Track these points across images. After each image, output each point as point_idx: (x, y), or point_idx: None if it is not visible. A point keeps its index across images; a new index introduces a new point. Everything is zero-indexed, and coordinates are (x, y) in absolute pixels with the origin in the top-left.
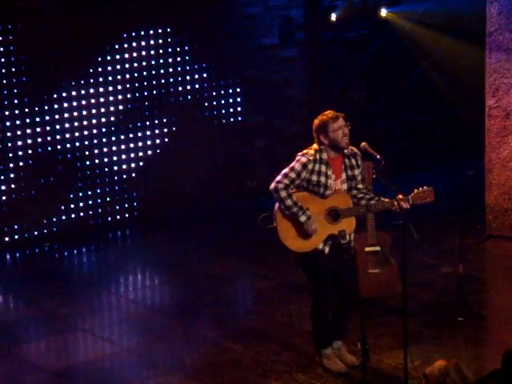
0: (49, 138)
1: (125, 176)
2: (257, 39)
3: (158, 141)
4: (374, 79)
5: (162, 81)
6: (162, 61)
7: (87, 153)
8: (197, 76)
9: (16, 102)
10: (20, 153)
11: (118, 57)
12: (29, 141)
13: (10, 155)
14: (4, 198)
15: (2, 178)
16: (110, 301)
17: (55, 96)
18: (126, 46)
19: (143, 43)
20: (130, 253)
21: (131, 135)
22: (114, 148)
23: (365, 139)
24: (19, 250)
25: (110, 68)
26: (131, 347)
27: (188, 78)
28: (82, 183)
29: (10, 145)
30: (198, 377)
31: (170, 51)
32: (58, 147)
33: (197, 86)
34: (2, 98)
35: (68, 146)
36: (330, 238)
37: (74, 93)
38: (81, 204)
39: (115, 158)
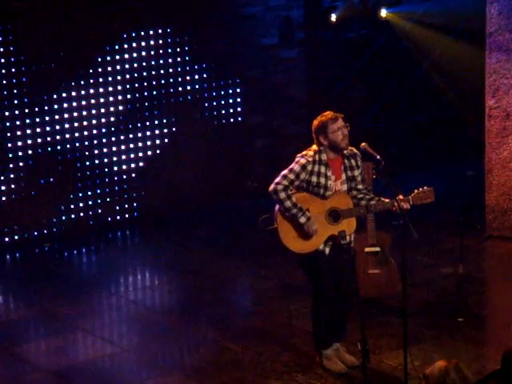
0: (49, 139)
1: (125, 176)
2: (257, 39)
3: (157, 141)
4: (374, 79)
5: (162, 81)
6: (161, 61)
7: (87, 153)
8: (197, 76)
9: (16, 102)
10: (20, 153)
11: (117, 57)
12: (29, 141)
13: (10, 155)
14: (4, 198)
15: (2, 178)
16: (109, 301)
17: (55, 96)
18: (126, 46)
19: (143, 43)
20: (130, 253)
21: (131, 135)
22: (114, 148)
23: (365, 139)
24: (19, 250)
25: (109, 68)
26: (131, 347)
27: (188, 78)
28: (81, 184)
29: (10, 145)
30: (198, 377)
31: (170, 51)
32: (58, 148)
33: (197, 87)
34: (1, 99)
35: (68, 146)
36: (331, 238)
37: (73, 93)
38: (81, 204)
39: (115, 159)
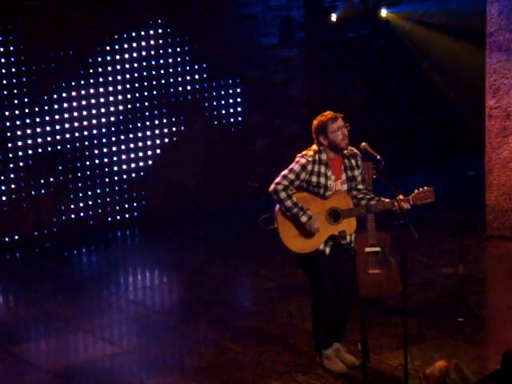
0: (49, 139)
1: (125, 176)
2: (257, 39)
3: (157, 141)
4: (374, 79)
5: (162, 81)
6: (162, 61)
7: (87, 153)
8: (197, 76)
9: (16, 102)
10: (20, 153)
11: (118, 57)
12: (29, 141)
13: (10, 155)
14: (4, 198)
15: (2, 178)
16: (110, 301)
17: (55, 96)
18: (126, 46)
19: (143, 43)
20: (130, 253)
21: (131, 135)
22: (114, 148)
23: (365, 139)
24: (19, 250)
25: (110, 68)
26: (131, 347)
27: (188, 78)
28: (81, 183)
29: (10, 145)
30: (198, 377)
31: (170, 51)
32: (58, 147)
33: (197, 86)
34: (2, 99)
35: (68, 146)
36: (331, 238)
37: (73, 93)
38: (81, 204)
39: (115, 159)
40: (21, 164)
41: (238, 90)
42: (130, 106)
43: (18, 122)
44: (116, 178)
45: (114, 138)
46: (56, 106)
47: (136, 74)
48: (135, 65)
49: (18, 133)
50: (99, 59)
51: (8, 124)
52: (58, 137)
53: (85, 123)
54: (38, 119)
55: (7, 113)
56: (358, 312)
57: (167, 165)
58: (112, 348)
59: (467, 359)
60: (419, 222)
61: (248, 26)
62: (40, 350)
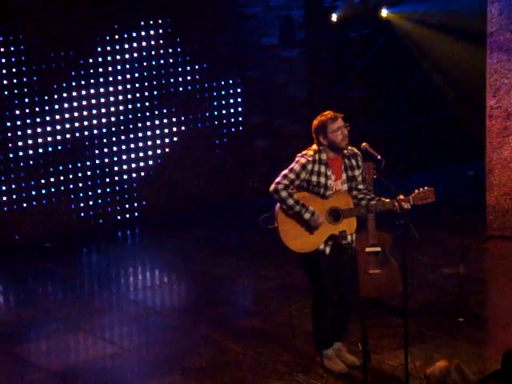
0: (49, 139)
1: (125, 176)
2: (257, 39)
3: (158, 141)
4: (375, 79)
5: (163, 81)
6: (162, 61)
7: (87, 153)
8: (197, 76)
9: (16, 102)
10: (20, 153)
11: (118, 57)
12: (29, 141)
13: (11, 155)
14: (4, 198)
15: (3, 178)
16: (110, 301)
17: (56, 96)
18: (126, 46)
19: (144, 44)
20: (131, 253)
21: (131, 136)
22: (115, 148)
23: (365, 139)
24: (19, 249)
25: (110, 68)
26: (131, 347)
27: (189, 78)
28: (82, 184)
29: (10, 145)
30: (198, 377)
31: (171, 52)
32: (59, 148)
33: (197, 86)
34: (2, 99)
35: (68, 146)
36: (331, 238)
37: (74, 93)
38: (81, 204)
39: (115, 159)
40: (21, 164)
41: (238, 90)
42: (130, 106)
43: (18, 122)
44: (116, 178)
45: (114, 138)
46: (56, 106)
47: (136, 74)
48: (135, 65)
49: (19, 133)
50: (100, 59)
51: (8, 124)
52: (58, 137)
53: (85, 123)
54: (38, 119)
55: (8, 113)
56: (358, 312)
57: (167, 165)
58: (112, 348)
59: (468, 359)
60: (420, 222)
61: (248, 26)
62: (40, 350)
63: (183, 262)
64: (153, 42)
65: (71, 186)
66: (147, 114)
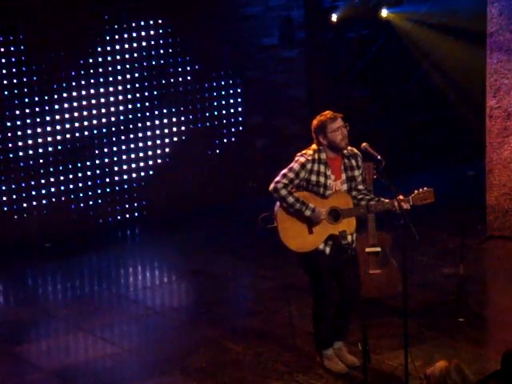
0: (49, 139)
1: (125, 176)
2: (257, 39)
3: (158, 141)
4: (375, 79)
5: (163, 81)
6: (162, 61)
7: (87, 153)
8: (197, 76)
9: (16, 102)
10: (21, 153)
11: (118, 57)
12: (29, 141)
13: (11, 155)
14: (4, 198)
15: (3, 178)
16: (110, 301)
17: (56, 96)
18: (126, 46)
19: (144, 44)
20: (131, 253)
21: (131, 136)
22: (115, 148)
23: (365, 139)
24: (20, 249)
25: (110, 69)
26: (131, 347)
27: (189, 78)
28: (82, 184)
29: (10, 145)
30: (198, 377)
31: (171, 51)
32: (59, 148)
33: (197, 87)
34: (2, 99)
35: (68, 146)
36: (331, 238)
37: (74, 93)
38: (81, 204)
39: (115, 159)
40: (21, 164)
41: (238, 90)
42: (130, 107)
43: (18, 122)
44: (116, 178)
45: (114, 138)
46: (56, 106)
47: (136, 74)
48: (135, 65)
49: (19, 133)
50: (100, 59)
51: (8, 124)
52: (58, 137)
53: (85, 123)
54: (38, 119)
55: (8, 113)
56: (358, 312)
57: (167, 165)
58: (112, 348)
59: (468, 359)
60: (420, 222)
61: (248, 26)
62: (40, 350)
63: (183, 262)
64: (153, 42)
65: (71, 186)
66: (147, 114)
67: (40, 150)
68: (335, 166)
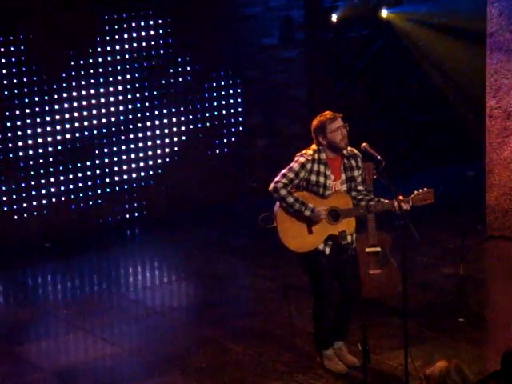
0: (49, 139)
1: (125, 176)
2: (257, 39)
3: (158, 141)
4: (375, 80)
5: (163, 81)
6: (162, 61)
7: (88, 153)
8: (197, 76)
9: (16, 102)
10: (21, 153)
11: (118, 57)
12: (29, 141)
13: (11, 155)
14: (4, 198)
15: (3, 178)
16: (110, 301)
17: (56, 97)
18: (126, 46)
19: (144, 44)
20: (131, 253)
21: (132, 136)
22: (115, 149)
23: (365, 140)
24: (20, 249)
25: (110, 69)
26: (131, 347)
27: (189, 78)
28: (82, 184)
29: (10, 145)
30: (198, 377)
31: (171, 52)
32: (59, 148)
33: (197, 86)
34: (2, 99)
35: (69, 146)
36: (331, 238)
37: (74, 93)
38: (81, 204)
39: (116, 159)
40: (21, 164)
41: (239, 90)
42: (130, 107)
43: (18, 123)
44: (116, 179)
45: (114, 139)
46: (56, 107)
47: (136, 75)
48: (135, 65)
49: (19, 133)
50: (100, 59)
51: (8, 124)
52: (58, 137)
53: (85, 123)
54: (38, 119)
55: (8, 113)
56: (358, 312)
57: (167, 165)
58: (112, 348)
59: (468, 359)
60: (420, 222)
61: (248, 27)
62: (40, 349)
63: (183, 262)
64: (153, 42)
65: (71, 186)
66: (147, 114)
67: (40, 150)
68: (335, 167)
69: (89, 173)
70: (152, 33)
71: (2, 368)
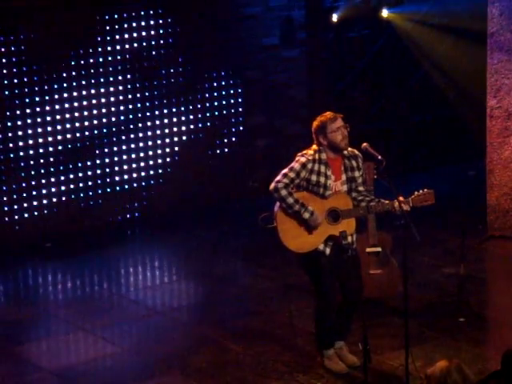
0: (50, 139)
1: (126, 176)
2: (258, 39)
3: (158, 141)
4: (375, 80)
5: (163, 81)
6: (162, 62)
7: (88, 153)
8: (197, 76)
9: (17, 102)
10: (21, 153)
11: (119, 57)
12: (30, 141)
13: (11, 155)
14: (5, 198)
15: (3, 178)
16: (110, 301)
17: (56, 96)
18: (127, 46)
19: (144, 44)
20: (131, 253)
21: (132, 136)
22: (115, 148)
23: (365, 140)
24: (19, 250)
25: (111, 69)
26: (131, 347)
27: (189, 78)
28: (83, 184)
29: (11, 145)
30: (198, 377)
31: (171, 51)
32: (59, 148)
33: (198, 87)
34: (3, 99)
35: (69, 146)
36: (331, 238)
37: (75, 93)
38: (82, 204)
39: (116, 159)
40: (22, 164)
41: (239, 90)
42: (130, 107)
43: (19, 122)
44: (117, 178)
45: (114, 138)
46: (57, 107)
47: (137, 75)
48: (136, 65)
49: (19, 133)
50: (100, 59)
51: (9, 124)
52: (59, 137)
53: (86, 123)
54: (39, 119)
55: (8, 113)
56: (359, 312)
57: (168, 165)
58: (112, 348)
59: (468, 359)
60: (420, 222)
61: (248, 26)
62: (40, 349)
63: (183, 262)
64: (153, 43)
65: (72, 186)
66: (147, 114)
67: (40, 150)
68: (335, 167)
69: (89, 173)
70: (152, 33)
71: (1, 368)
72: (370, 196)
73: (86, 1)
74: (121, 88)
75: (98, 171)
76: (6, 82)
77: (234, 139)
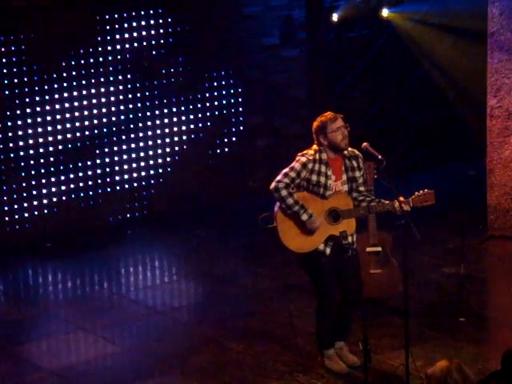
0: (50, 139)
1: (126, 176)
2: (258, 39)
3: (158, 141)
4: (375, 79)
5: (164, 81)
6: (162, 62)
7: (88, 153)
8: (197, 76)
9: (17, 102)
10: (21, 153)
11: (119, 57)
12: (30, 141)
13: (12, 155)
14: (5, 197)
15: (3, 178)
16: (110, 301)
17: (57, 96)
18: (127, 46)
19: (144, 43)
20: (131, 253)
21: (132, 135)
22: (116, 148)
23: (366, 140)
24: (20, 249)
25: (111, 68)
26: (131, 347)
27: (189, 78)
28: (83, 183)
29: (11, 145)
30: (199, 377)
31: (171, 51)
32: (60, 147)
33: (197, 86)
34: (3, 99)
35: (69, 146)
36: (331, 238)
37: (75, 93)
38: (82, 204)
39: (116, 159)
40: (22, 164)
41: (239, 90)
42: (131, 106)
43: (19, 122)
44: (117, 178)
45: (115, 138)
46: (57, 106)
47: (137, 75)
48: (136, 65)
49: (20, 133)
50: (100, 59)
51: (9, 124)
52: (59, 137)
53: (86, 123)
54: (39, 119)
55: (8, 112)
56: (359, 312)
57: (168, 165)
58: (112, 348)
59: (468, 359)
60: (420, 222)
61: (248, 26)
62: (40, 349)
63: (183, 262)
64: (153, 42)
65: (72, 186)
66: (147, 113)
67: (41, 150)
68: (336, 167)
69: (89, 172)
70: (152, 32)
71: (1, 368)
72: (370, 196)
73: (85, 1)
74: (121, 88)
75: (98, 171)
76: (6, 81)
77: (234, 139)
